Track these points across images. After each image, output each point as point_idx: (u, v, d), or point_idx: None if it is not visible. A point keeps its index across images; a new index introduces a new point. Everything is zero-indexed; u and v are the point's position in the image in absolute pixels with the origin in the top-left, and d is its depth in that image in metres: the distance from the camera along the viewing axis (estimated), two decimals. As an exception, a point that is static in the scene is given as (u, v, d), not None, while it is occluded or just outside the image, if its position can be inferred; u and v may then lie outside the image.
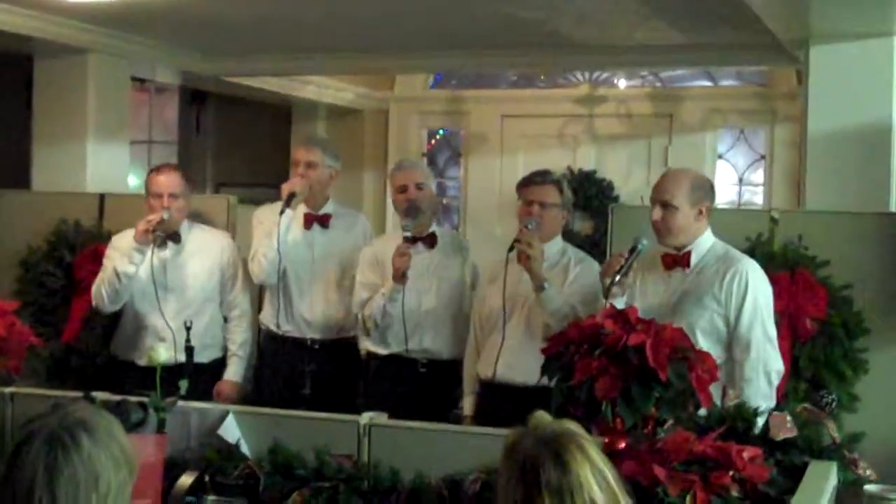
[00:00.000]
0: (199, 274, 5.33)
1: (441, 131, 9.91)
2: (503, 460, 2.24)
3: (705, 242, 4.33)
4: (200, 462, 3.68)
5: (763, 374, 4.16)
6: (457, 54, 7.71)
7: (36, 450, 2.09)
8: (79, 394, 3.83)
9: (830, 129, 5.80)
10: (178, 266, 5.30)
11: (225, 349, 5.39)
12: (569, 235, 8.34)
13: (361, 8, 6.15)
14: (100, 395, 3.82)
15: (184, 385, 3.79)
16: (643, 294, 4.38)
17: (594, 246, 7.04)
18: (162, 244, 5.21)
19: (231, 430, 3.72)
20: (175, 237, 5.27)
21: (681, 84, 9.17)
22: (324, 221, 5.34)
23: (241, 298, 5.42)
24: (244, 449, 3.70)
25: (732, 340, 4.21)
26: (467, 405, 4.92)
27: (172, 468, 3.65)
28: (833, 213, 5.04)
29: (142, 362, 5.09)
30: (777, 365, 4.22)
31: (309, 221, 5.31)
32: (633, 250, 4.26)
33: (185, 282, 5.29)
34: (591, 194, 8.89)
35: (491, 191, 9.22)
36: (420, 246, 5.09)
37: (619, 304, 4.21)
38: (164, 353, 3.87)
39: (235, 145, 10.26)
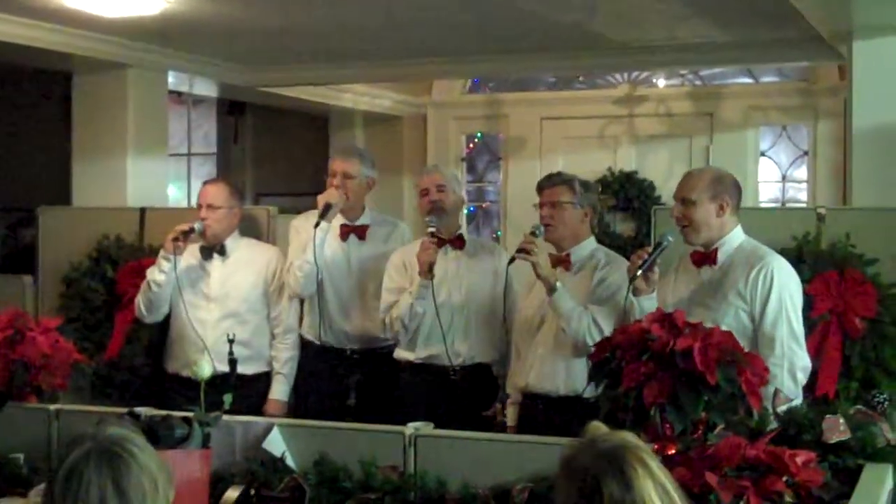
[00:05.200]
0: (241, 284, 5.28)
1: (479, 135, 9.86)
2: (561, 476, 2.19)
3: (734, 240, 4.27)
4: (246, 476, 3.66)
5: (788, 371, 4.06)
6: (494, 58, 7.69)
7: (95, 466, 2.14)
8: (123, 410, 3.84)
9: (876, 125, 5.72)
10: (223, 276, 5.28)
11: (270, 363, 5.31)
12: (611, 237, 8.39)
13: (397, 15, 6.14)
14: (144, 411, 3.82)
15: (228, 399, 3.76)
16: (675, 289, 4.34)
17: (638, 248, 6.97)
18: (208, 256, 5.24)
19: (276, 444, 3.71)
20: (221, 249, 5.27)
21: (721, 82, 9.10)
22: (361, 232, 5.28)
23: (285, 314, 5.31)
24: (290, 462, 3.68)
25: (758, 337, 4.12)
26: (510, 414, 4.85)
27: (218, 482, 3.64)
28: (880, 210, 4.96)
29: (185, 373, 5.10)
30: (803, 362, 4.13)
31: (345, 233, 5.25)
32: (657, 246, 4.23)
33: (227, 292, 5.27)
34: (632, 195, 8.85)
35: (531, 194, 9.02)
36: (448, 248, 5.04)
37: (649, 300, 4.18)
38: (207, 367, 3.84)
39: (274, 155, 10.28)
